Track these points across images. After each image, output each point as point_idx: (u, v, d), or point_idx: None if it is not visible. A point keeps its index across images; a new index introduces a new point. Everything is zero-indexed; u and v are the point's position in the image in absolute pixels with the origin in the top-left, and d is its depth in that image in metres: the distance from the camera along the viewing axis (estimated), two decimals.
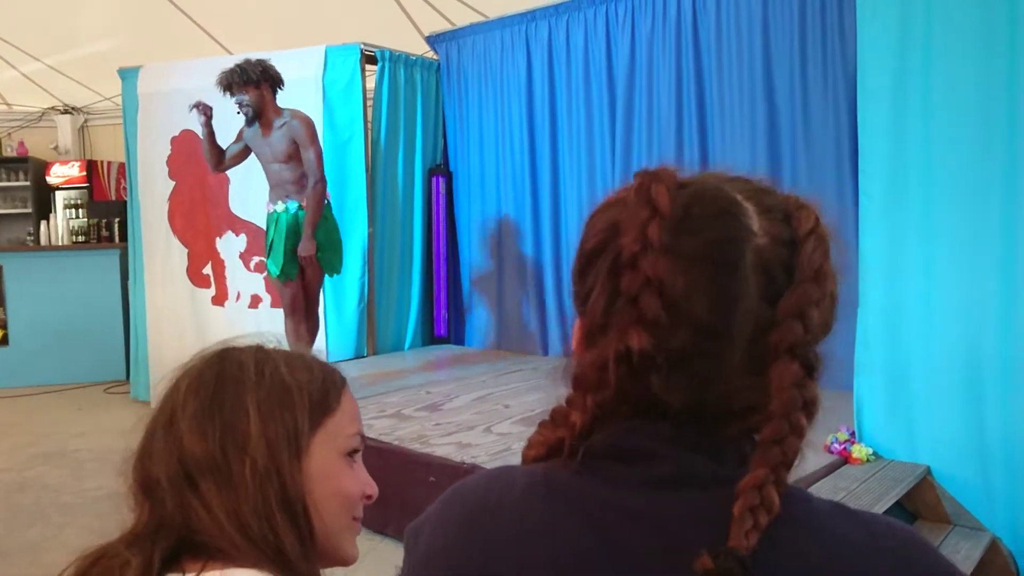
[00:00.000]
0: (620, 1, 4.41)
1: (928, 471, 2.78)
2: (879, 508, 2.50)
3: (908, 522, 2.84)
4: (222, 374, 0.78)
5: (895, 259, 2.80)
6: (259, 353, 0.81)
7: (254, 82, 3.87)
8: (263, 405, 0.75)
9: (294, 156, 3.94)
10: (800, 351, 0.57)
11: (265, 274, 5.03)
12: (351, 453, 0.81)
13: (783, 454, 0.56)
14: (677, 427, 0.60)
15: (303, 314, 4.09)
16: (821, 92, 3.72)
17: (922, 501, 2.81)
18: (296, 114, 3.97)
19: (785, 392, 0.57)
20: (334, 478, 0.78)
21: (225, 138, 4.18)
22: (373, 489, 0.83)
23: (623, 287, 0.59)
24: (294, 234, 3.95)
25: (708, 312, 0.58)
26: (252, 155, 4.17)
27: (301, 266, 3.97)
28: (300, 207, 3.95)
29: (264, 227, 4.94)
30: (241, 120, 4.02)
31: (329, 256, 4.09)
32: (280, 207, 3.97)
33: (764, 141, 3.90)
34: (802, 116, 3.80)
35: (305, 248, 3.92)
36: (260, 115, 3.92)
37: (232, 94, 3.88)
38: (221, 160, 4.18)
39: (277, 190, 4.01)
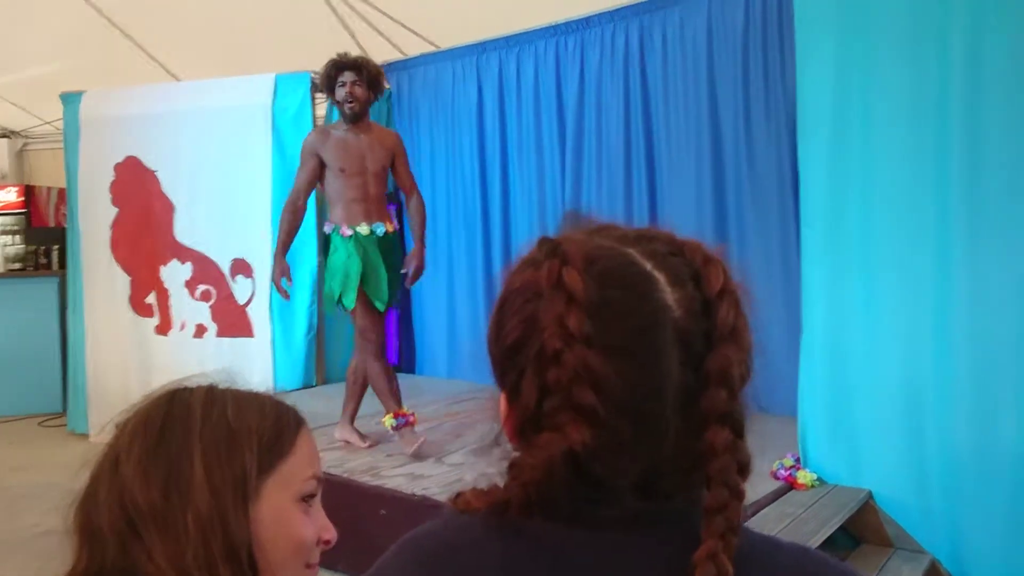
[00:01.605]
0: (569, 34, 4.50)
1: (870, 495, 2.85)
2: (824, 533, 2.55)
3: (852, 546, 2.91)
4: (169, 417, 0.76)
5: (837, 290, 2.89)
6: (209, 395, 0.79)
7: (373, 81, 3.45)
8: (208, 450, 0.74)
9: (385, 170, 3.50)
10: (729, 415, 0.58)
11: (212, 303, 4.95)
12: (307, 497, 0.79)
13: (727, 520, 0.57)
14: (623, 493, 0.61)
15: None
16: (764, 125, 3.83)
17: (865, 525, 2.87)
18: (385, 128, 3.72)
19: (720, 459, 0.58)
20: (286, 524, 0.76)
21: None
22: (331, 534, 0.81)
23: (551, 382, 0.58)
24: (391, 257, 3.49)
25: (640, 398, 0.58)
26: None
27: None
28: (387, 232, 3.46)
29: (207, 254, 4.92)
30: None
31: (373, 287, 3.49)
32: (364, 229, 3.38)
33: (709, 172, 4.00)
34: (746, 148, 3.90)
35: (419, 260, 3.48)
36: (360, 117, 3.46)
37: (341, 79, 3.38)
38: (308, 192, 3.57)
39: (357, 206, 3.39)
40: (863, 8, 2.77)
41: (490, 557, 0.63)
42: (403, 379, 5.17)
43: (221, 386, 0.82)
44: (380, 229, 3.41)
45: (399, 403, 3.37)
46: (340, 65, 3.39)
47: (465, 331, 5.10)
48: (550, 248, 0.61)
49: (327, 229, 3.43)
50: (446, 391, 4.68)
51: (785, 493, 2.85)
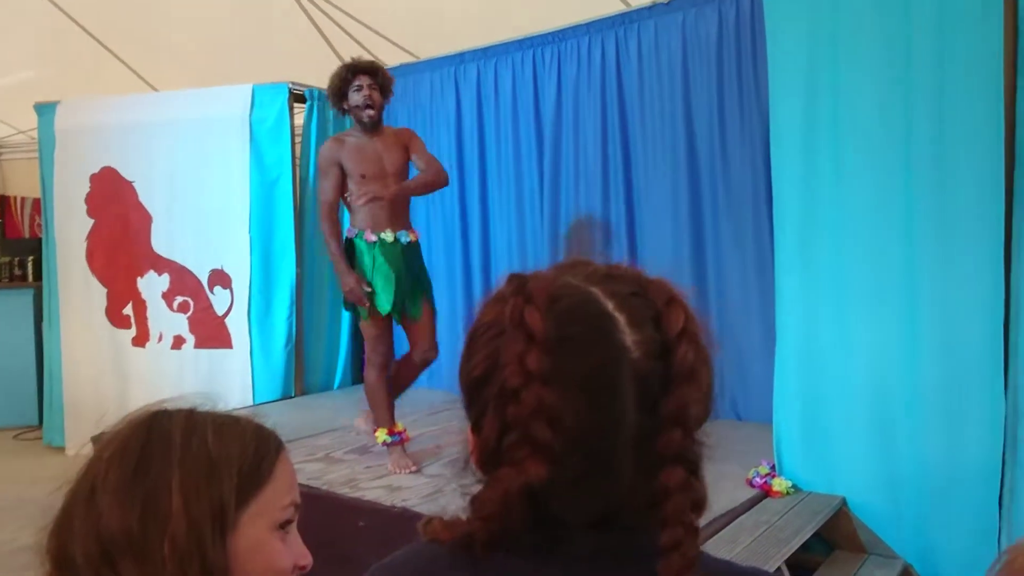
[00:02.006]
0: (546, 46, 4.53)
1: (844, 502, 2.89)
2: (799, 540, 2.59)
3: (827, 552, 2.95)
4: (148, 445, 0.74)
5: (809, 299, 2.93)
6: (189, 422, 0.77)
7: (387, 85, 3.35)
8: (187, 480, 0.73)
9: (405, 168, 3.41)
10: (683, 455, 0.60)
11: (190, 314, 4.93)
12: (284, 524, 0.79)
13: (683, 558, 0.59)
14: (584, 530, 0.63)
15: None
16: (738, 135, 3.89)
17: (839, 531, 2.91)
18: (395, 128, 3.63)
19: (674, 499, 0.60)
20: (264, 554, 0.76)
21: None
22: (307, 560, 0.80)
23: (511, 418, 0.60)
24: (412, 267, 3.38)
25: (596, 436, 0.60)
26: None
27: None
28: (411, 241, 3.36)
29: (185, 265, 4.90)
30: None
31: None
32: (388, 236, 3.29)
33: (685, 182, 4.04)
34: (721, 158, 3.95)
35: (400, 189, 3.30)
36: (378, 123, 3.36)
37: (357, 82, 3.27)
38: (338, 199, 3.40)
39: (381, 211, 3.30)
40: (833, 22, 2.82)
41: None
42: None
43: (201, 409, 0.81)
44: (404, 238, 3.33)
45: (393, 420, 3.35)
46: (355, 68, 3.30)
47: (443, 340, 5.09)
48: (516, 286, 0.64)
49: (349, 234, 3.33)
50: (425, 401, 4.67)
51: (761, 501, 2.88)
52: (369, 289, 3.27)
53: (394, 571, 0.69)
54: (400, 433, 3.32)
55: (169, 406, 0.81)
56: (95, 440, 0.81)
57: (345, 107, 3.34)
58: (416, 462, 3.28)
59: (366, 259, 3.26)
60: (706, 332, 0.63)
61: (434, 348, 3.48)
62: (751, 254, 3.87)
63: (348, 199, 3.35)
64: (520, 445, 0.60)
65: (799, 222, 2.94)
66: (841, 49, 2.80)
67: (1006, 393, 2.54)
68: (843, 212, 2.83)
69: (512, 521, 0.61)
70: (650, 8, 4.11)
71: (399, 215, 3.35)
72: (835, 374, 2.88)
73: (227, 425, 0.79)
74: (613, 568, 0.62)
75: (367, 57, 5.19)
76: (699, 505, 0.61)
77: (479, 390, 0.65)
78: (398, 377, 3.50)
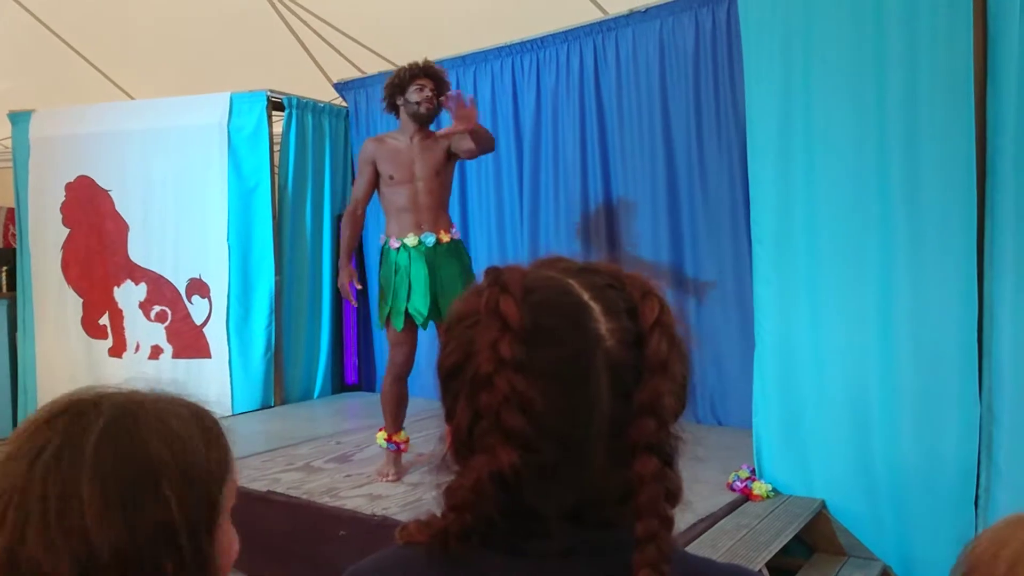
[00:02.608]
0: (525, 54, 4.56)
1: (823, 505, 2.91)
2: (779, 543, 2.61)
3: (806, 555, 2.97)
4: (131, 459, 0.66)
5: (786, 304, 2.96)
6: (159, 424, 0.70)
7: (441, 94, 3.31)
8: (179, 492, 0.67)
9: (439, 176, 3.31)
10: (657, 445, 0.60)
11: (168, 324, 4.88)
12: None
13: (658, 549, 0.59)
14: (557, 520, 0.63)
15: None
16: (715, 144, 3.92)
17: (819, 534, 2.94)
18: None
19: (648, 488, 0.60)
20: (229, 544, 0.73)
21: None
22: (237, 543, 0.76)
23: (483, 405, 0.60)
24: (442, 269, 3.27)
25: (568, 424, 0.60)
26: None
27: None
28: (439, 242, 3.25)
29: (162, 274, 4.86)
30: None
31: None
32: (412, 240, 3.22)
33: (664, 189, 4.07)
34: (698, 165, 3.99)
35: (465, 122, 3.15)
36: (429, 122, 3.34)
37: (419, 82, 3.26)
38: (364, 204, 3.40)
39: (407, 216, 3.24)
40: (807, 32, 2.86)
41: None
42: (362, 397, 5.20)
43: (146, 400, 0.73)
44: (430, 239, 3.24)
45: (398, 430, 3.32)
46: (425, 71, 3.31)
47: (423, 347, 5.09)
48: (493, 277, 0.64)
49: (380, 241, 3.35)
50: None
51: (741, 504, 2.90)
52: (360, 287, 3.34)
53: (363, 574, 0.69)
54: (398, 443, 3.30)
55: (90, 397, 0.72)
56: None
57: (399, 101, 3.32)
58: (399, 474, 3.27)
59: (391, 266, 3.26)
60: (682, 326, 0.64)
61: None
62: (729, 260, 3.90)
63: (381, 202, 3.36)
64: (491, 432, 0.60)
65: (775, 229, 2.97)
66: (815, 59, 2.84)
67: (980, 396, 2.58)
68: (819, 219, 2.87)
69: (484, 509, 0.61)
70: (627, 16, 4.14)
71: (427, 218, 3.27)
72: (813, 379, 2.91)
73: (188, 417, 0.73)
74: (588, 563, 0.62)
75: (345, 65, 5.24)
76: (674, 496, 0.62)
77: (452, 379, 0.65)
78: None
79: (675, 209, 4.08)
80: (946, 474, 2.64)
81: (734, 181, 3.84)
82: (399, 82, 3.32)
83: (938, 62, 2.60)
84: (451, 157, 3.35)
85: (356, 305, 3.57)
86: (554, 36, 4.42)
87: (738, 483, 2.98)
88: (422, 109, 3.27)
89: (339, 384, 5.37)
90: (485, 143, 3.27)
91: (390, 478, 3.22)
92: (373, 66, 5.24)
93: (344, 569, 0.72)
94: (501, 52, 4.64)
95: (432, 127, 3.39)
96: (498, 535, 0.63)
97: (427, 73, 3.30)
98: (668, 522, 0.61)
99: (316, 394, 5.19)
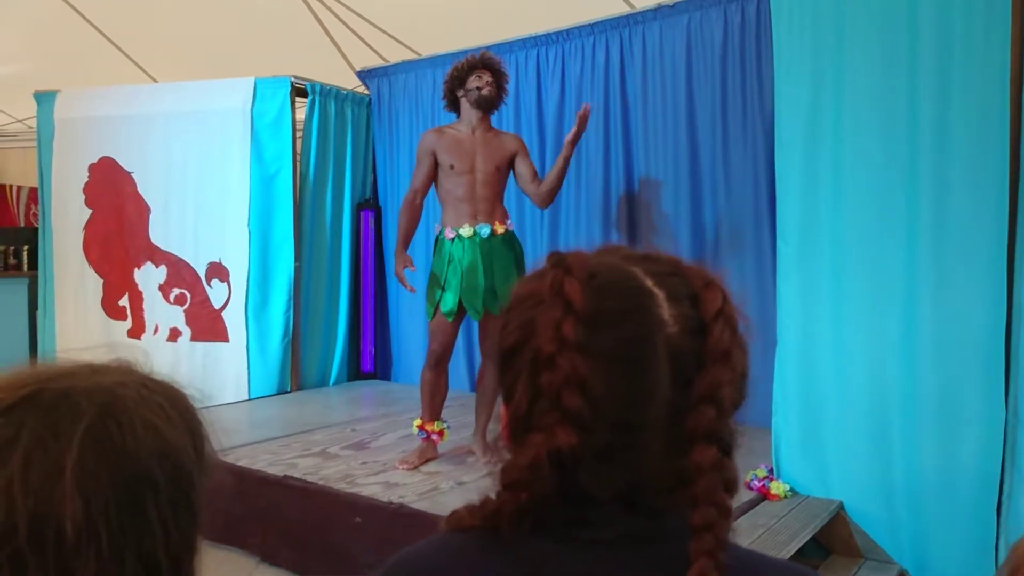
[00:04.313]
0: (551, 46, 4.53)
1: (841, 506, 2.89)
2: (796, 544, 2.59)
3: (823, 556, 2.95)
4: (120, 469, 0.54)
5: (809, 303, 2.93)
6: (189, 422, 0.62)
7: (502, 86, 3.38)
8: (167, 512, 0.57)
9: (498, 172, 3.36)
10: (716, 434, 0.60)
11: (187, 307, 4.91)
12: None
13: (715, 538, 0.59)
14: (611, 506, 0.63)
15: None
16: (741, 140, 3.89)
17: (836, 536, 2.92)
18: (506, 132, 3.64)
19: (706, 477, 0.59)
20: None
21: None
22: None
23: (543, 385, 0.60)
24: (497, 260, 3.30)
25: (627, 408, 0.60)
26: None
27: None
28: (494, 233, 3.29)
29: (182, 257, 4.88)
30: None
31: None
32: (467, 231, 3.26)
33: (687, 185, 4.05)
34: (723, 162, 3.96)
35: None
36: (489, 110, 3.35)
37: (478, 73, 3.29)
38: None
39: (464, 206, 3.28)
40: (838, 31, 2.83)
41: None
42: (378, 385, 5.21)
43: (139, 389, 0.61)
44: (485, 230, 3.26)
45: (433, 419, 3.32)
46: (483, 63, 3.34)
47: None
48: (556, 260, 0.64)
49: (435, 231, 3.40)
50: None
51: (758, 504, 2.88)
52: (414, 270, 3.37)
53: (413, 566, 0.68)
54: (429, 432, 3.31)
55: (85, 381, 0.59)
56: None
57: (460, 93, 3.35)
58: (418, 463, 3.27)
59: (444, 256, 3.28)
60: (744, 319, 0.63)
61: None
62: (751, 257, 3.87)
63: (438, 191, 3.38)
64: (550, 412, 0.60)
65: (800, 227, 2.95)
66: (846, 58, 2.81)
67: (1007, 399, 2.55)
68: (844, 218, 2.84)
69: (539, 488, 0.60)
70: (655, 10, 4.11)
71: (483, 209, 3.30)
72: (834, 379, 2.89)
73: (185, 404, 0.64)
74: (637, 552, 0.62)
75: (369, 53, 5.23)
76: (731, 486, 0.61)
77: (512, 358, 0.64)
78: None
79: (697, 206, 4.05)
80: (967, 478, 2.61)
81: (758, 179, 3.81)
82: (458, 75, 3.35)
83: (972, 62, 2.56)
84: (511, 163, 3.39)
85: (414, 291, 3.51)
86: (580, 28, 4.39)
87: (756, 482, 2.96)
88: (484, 92, 3.29)
89: (355, 372, 5.39)
90: (551, 188, 3.42)
91: (406, 466, 3.23)
92: (396, 55, 5.24)
93: (360, 556, 0.71)
94: (526, 43, 4.62)
95: (493, 122, 3.41)
96: (549, 521, 0.63)
97: (485, 64, 3.34)
98: (726, 511, 0.60)
99: (332, 381, 5.21)
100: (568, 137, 3.28)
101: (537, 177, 3.43)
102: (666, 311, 0.61)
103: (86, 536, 0.52)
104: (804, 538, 2.65)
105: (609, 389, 0.60)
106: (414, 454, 3.30)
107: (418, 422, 3.34)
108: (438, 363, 3.31)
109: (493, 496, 0.64)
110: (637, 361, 0.60)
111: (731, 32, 3.88)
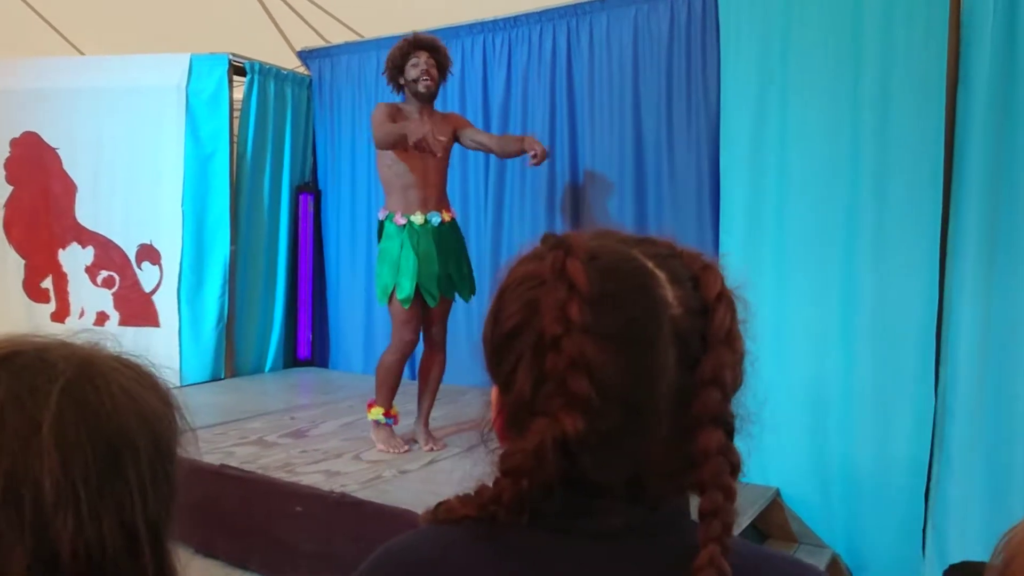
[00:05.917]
0: (498, 32, 4.50)
1: (778, 493, 2.97)
2: (735, 530, 2.65)
3: (759, 541, 3.02)
4: (99, 432, 0.53)
5: (751, 295, 2.99)
6: (162, 406, 0.60)
7: (444, 64, 3.29)
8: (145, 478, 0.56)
9: (447, 155, 3.32)
10: (721, 417, 0.60)
11: (115, 290, 4.72)
12: None
13: (723, 524, 0.58)
14: (612, 495, 0.62)
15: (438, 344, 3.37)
16: (686, 133, 3.92)
17: (772, 522, 3.00)
18: (447, 112, 3.54)
19: (713, 461, 0.59)
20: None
21: None
22: None
23: (548, 368, 0.58)
24: (446, 248, 3.28)
25: (634, 390, 0.59)
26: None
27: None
28: (443, 221, 3.27)
29: (111, 238, 4.70)
30: None
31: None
32: (419, 218, 3.21)
33: (632, 176, 4.07)
34: (667, 154, 3.99)
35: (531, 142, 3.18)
36: (431, 99, 3.29)
37: (415, 58, 3.20)
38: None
39: (414, 193, 3.22)
40: (785, 26, 2.89)
41: (479, 570, 0.61)
42: (315, 372, 5.12)
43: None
44: (436, 219, 3.24)
45: (391, 403, 3.29)
46: (417, 44, 3.24)
47: (380, 325, 5.04)
48: (555, 241, 0.62)
49: (381, 216, 3.29)
50: (361, 387, 4.60)
51: None
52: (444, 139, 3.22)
53: (400, 558, 0.65)
54: (394, 417, 3.30)
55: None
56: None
57: (401, 81, 3.28)
58: (406, 442, 3.28)
59: (394, 243, 3.20)
60: (741, 301, 0.63)
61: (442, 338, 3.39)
62: (694, 247, 3.92)
63: (383, 176, 3.29)
64: (556, 396, 0.58)
65: (744, 220, 3.01)
66: (792, 54, 2.88)
67: (936, 390, 2.65)
68: (787, 212, 2.91)
69: (542, 475, 0.59)
70: (603, 1, 4.12)
71: (432, 196, 3.26)
72: (773, 367, 2.95)
73: (158, 383, 0.63)
74: (636, 545, 0.61)
75: (309, 32, 5.11)
76: (737, 469, 0.61)
77: (511, 343, 0.62)
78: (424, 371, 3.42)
79: (641, 195, 4.08)
80: (899, 466, 2.71)
81: (701, 171, 3.85)
82: (394, 64, 3.27)
83: (913, 64, 2.65)
84: (452, 141, 3.34)
85: (439, 155, 3.19)
86: (528, 16, 4.37)
87: None
88: (421, 87, 3.22)
89: (291, 358, 5.28)
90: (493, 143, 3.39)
91: (403, 449, 3.23)
92: (338, 36, 5.12)
93: (300, 545, 0.68)
94: (473, 29, 4.57)
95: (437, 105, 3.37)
96: (547, 510, 0.61)
97: (420, 46, 3.24)
98: (732, 495, 0.60)
99: (268, 367, 5.09)
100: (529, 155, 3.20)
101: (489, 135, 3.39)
102: (669, 292, 0.60)
103: (64, 495, 0.50)
104: (743, 524, 2.71)
105: (616, 372, 0.58)
106: (393, 438, 3.28)
107: (380, 410, 3.29)
108: (408, 352, 3.28)
109: (489, 484, 0.62)
110: (644, 343, 0.59)
111: (678, 26, 3.90)
